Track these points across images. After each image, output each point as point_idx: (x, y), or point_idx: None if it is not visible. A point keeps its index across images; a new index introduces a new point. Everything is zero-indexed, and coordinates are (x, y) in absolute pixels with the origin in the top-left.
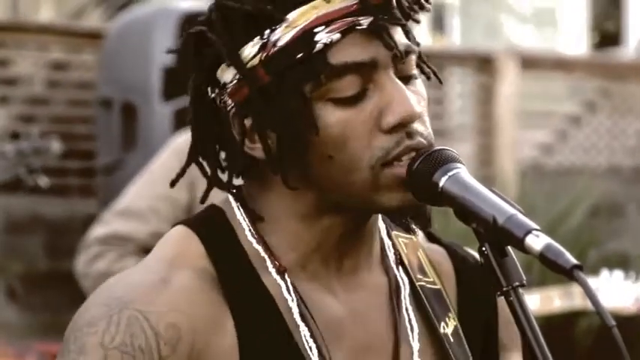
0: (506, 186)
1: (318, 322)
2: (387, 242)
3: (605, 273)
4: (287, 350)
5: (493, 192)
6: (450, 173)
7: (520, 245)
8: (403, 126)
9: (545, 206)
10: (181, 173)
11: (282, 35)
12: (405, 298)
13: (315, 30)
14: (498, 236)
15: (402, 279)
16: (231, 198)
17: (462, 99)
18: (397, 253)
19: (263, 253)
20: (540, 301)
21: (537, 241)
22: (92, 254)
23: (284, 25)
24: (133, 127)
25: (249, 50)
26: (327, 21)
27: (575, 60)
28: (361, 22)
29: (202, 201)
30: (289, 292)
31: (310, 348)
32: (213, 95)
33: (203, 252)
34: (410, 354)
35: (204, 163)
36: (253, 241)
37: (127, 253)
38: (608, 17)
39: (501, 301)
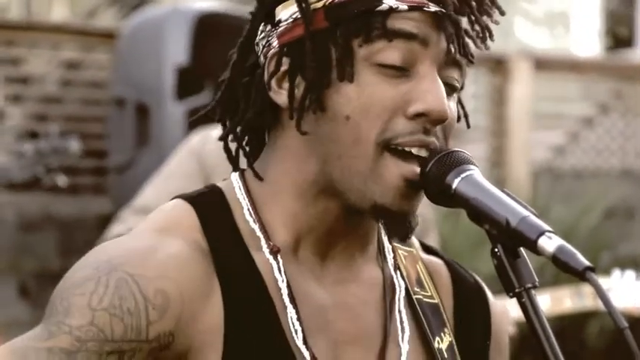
0: (518, 188)
1: (303, 307)
2: (387, 245)
3: (616, 273)
4: (272, 330)
5: (506, 194)
6: (464, 175)
7: (533, 247)
8: (426, 118)
9: (557, 208)
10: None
11: None
12: (399, 300)
13: None
14: (511, 238)
15: (398, 282)
16: (234, 178)
17: (474, 100)
18: (395, 259)
19: (259, 233)
20: (551, 301)
21: (550, 242)
22: None
23: None
24: (146, 126)
25: None
26: None
27: (587, 62)
28: (431, 6)
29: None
30: (280, 273)
31: (296, 331)
32: (261, 36)
33: (197, 225)
34: (398, 354)
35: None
36: (250, 220)
37: None
38: (621, 19)
39: (495, 324)
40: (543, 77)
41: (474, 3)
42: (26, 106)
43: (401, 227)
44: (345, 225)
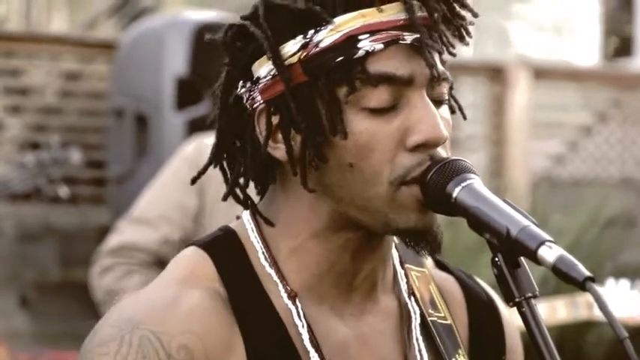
0: (517, 196)
1: (326, 347)
2: (400, 271)
3: (610, 282)
4: None
5: (507, 203)
6: (464, 184)
7: (533, 256)
8: (427, 147)
9: (557, 217)
10: (202, 172)
11: (326, 37)
12: (415, 327)
13: (360, 37)
14: (511, 247)
15: (414, 308)
16: (245, 219)
17: (473, 109)
18: (409, 284)
19: (275, 278)
20: (546, 311)
21: (550, 252)
22: (103, 267)
23: (329, 27)
24: (145, 137)
25: (290, 47)
26: (372, 30)
27: (586, 71)
28: (406, 37)
29: (224, 198)
30: (299, 318)
31: None
32: (242, 91)
33: (215, 273)
34: None
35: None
36: (266, 264)
37: (136, 265)
38: (621, 28)
39: (509, 338)
40: (542, 86)
41: (444, 9)
42: (25, 116)
43: (430, 243)
44: (368, 248)
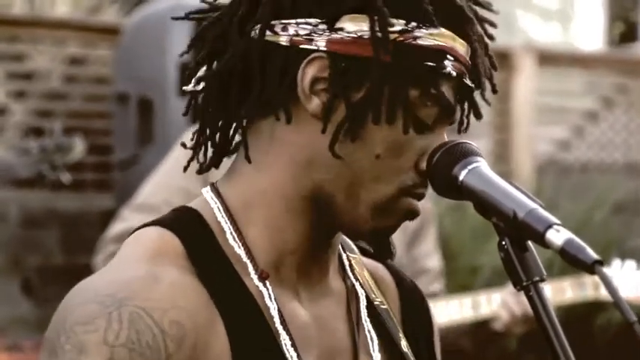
0: (522, 182)
1: (292, 328)
2: (343, 254)
3: (616, 263)
4: (273, 358)
5: (513, 186)
6: (470, 167)
7: (540, 240)
8: None
9: (562, 203)
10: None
11: (424, 37)
12: (363, 310)
13: (447, 56)
14: (518, 230)
15: (359, 290)
16: (208, 197)
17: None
18: (352, 269)
19: (245, 258)
20: (552, 292)
21: (558, 235)
22: (107, 254)
23: (432, 31)
24: (150, 122)
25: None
26: (454, 56)
27: (592, 56)
28: (467, 81)
29: (216, 166)
30: (271, 300)
31: (291, 357)
32: (296, 22)
33: (183, 252)
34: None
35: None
36: (235, 245)
37: None
38: (626, 13)
39: (435, 324)
40: (547, 71)
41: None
42: (29, 102)
43: (386, 249)
44: (328, 241)
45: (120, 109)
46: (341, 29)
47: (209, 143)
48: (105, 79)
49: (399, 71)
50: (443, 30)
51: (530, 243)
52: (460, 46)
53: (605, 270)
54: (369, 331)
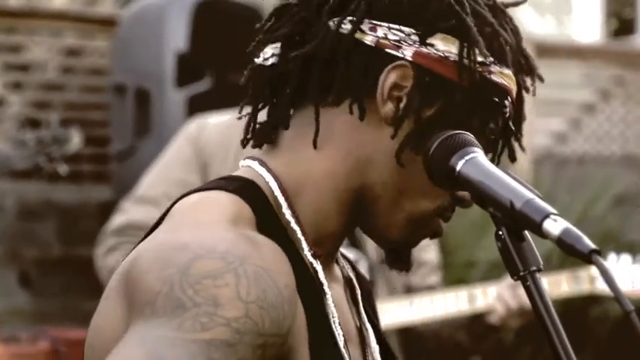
0: (519, 175)
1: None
2: None
3: (612, 257)
4: (331, 334)
5: (510, 176)
6: (467, 157)
7: (538, 229)
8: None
9: (559, 195)
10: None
11: (497, 73)
12: (359, 296)
13: (509, 97)
14: (515, 221)
15: (352, 275)
16: (259, 171)
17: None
18: (344, 255)
19: (300, 235)
20: (548, 285)
21: (555, 225)
22: (107, 246)
23: (504, 70)
24: (147, 113)
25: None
26: (512, 100)
27: (589, 48)
28: (512, 124)
29: (244, 145)
30: (324, 277)
31: (339, 334)
32: (391, 28)
33: (253, 219)
34: (373, 348)
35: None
36: (291, 220)
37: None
38: (624, 5)
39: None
40: (545, 63)
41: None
42: (26, 93)
43: (405, 260)
44: (350, 229)
45: (117, 101)
46: (431, 45)
47: (272, 115)
48: (102, 70)
49: (473, 99)
50: (509, 70)
51: (527, 233)
52: (515, 91)
53: (602, 259)
54: (367, 314)
